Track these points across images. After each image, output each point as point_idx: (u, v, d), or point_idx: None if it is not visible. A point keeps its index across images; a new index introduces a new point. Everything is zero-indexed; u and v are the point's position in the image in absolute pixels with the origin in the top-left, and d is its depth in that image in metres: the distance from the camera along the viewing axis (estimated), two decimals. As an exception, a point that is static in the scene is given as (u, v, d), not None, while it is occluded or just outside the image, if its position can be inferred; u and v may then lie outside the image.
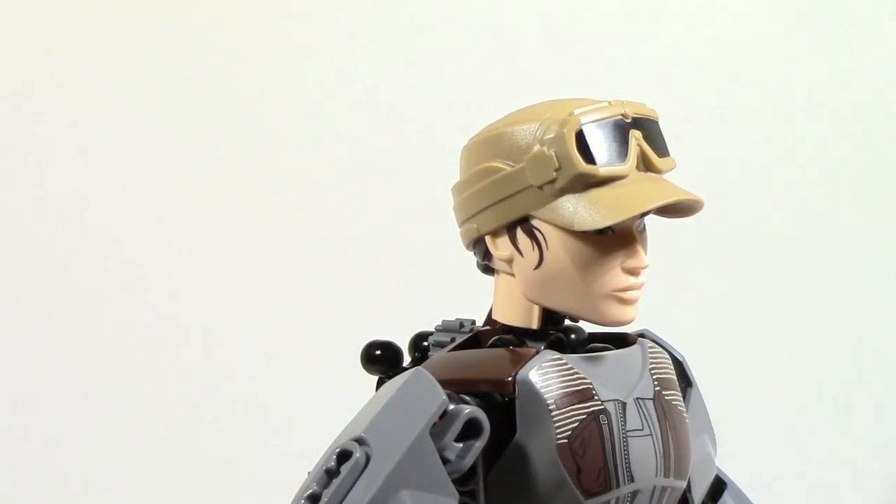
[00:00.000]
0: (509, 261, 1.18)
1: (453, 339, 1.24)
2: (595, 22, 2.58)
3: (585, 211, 1.13)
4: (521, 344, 1.19)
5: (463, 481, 1.15)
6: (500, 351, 1.18)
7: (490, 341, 1.21)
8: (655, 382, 1.18)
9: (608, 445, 1.13)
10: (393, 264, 2.50)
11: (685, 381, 1.27)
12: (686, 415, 1.21)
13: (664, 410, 1.17)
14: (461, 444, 1.11)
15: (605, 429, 1.13)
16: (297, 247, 2.51)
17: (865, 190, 2.61)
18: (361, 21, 2.55)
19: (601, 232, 1.14)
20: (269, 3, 2.54)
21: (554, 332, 1.21)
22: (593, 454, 1.12)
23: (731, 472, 1.39)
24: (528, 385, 1.12)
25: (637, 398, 1.16)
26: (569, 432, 1.12)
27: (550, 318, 1.20)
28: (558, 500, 1.13)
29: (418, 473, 1.10)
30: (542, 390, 1.12)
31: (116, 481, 2.47)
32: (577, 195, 1.13)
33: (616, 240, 1.15)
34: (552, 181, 1.13)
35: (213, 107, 2.52)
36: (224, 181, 2.52)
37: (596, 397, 1.14)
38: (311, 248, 2.52)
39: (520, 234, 1.16)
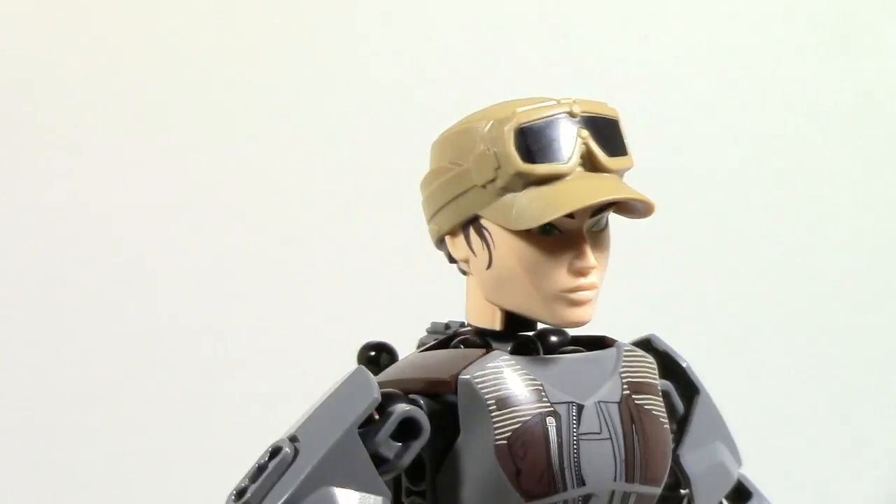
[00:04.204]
0: (466, 261, 1.25)
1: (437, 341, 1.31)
2: (594, 21, 2.60)
3: (523, 210, 1.19)
4: (486, 345, 1.24)
5: (415, 481, 1.22)
6: (456, 351, 1.25)
7: (453, 342, 1.27)
8: (625, 386, 1.23)
9: (554, 447, 1.18)
10: (397, 264, 2.52)
11: (691, 388, 1.32)
12: (664, 420, 1.24)
13: (632, 414, 1.22)
14: (400, 444, 1.19)
15: (553, 430, 1.18)
16: (301, 246, 2.53)
17: (865, 190, 2.63)
18: (362, 22, 2.57)
19: (547, 232, 1.20)
20: (271, 4, 2.56)
21: (525, 333, 1.24)
22: (535, 456, 1.18)
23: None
24: (469, 385, 1.19)
25: (599, 401, 1.21)
26: (509, 433, 1.18)
27: (518, 319, 1.24)
28: (500, 501, 1.18)
29: (344, 471, 1.17)
30: (483, 390, 1.18)
31: (119, 480, 2.49)
32: (516, 194, 1.20)
33: (563, 240, 1.20)
34: (493, 180, 1.20)
35: (215, 108, 2.54)
36: (226, 182, 2.53)
37: (545, 399, 1.19)
38: (314, 248, 2.53)
39: (472, 234, 1.24)
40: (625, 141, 1.23)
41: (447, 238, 1.26)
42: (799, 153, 2.60)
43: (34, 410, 2.48)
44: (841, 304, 2.59)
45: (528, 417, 1.18)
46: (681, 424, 1.33)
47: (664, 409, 1.25)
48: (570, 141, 1.20)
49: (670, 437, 1.26)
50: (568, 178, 1.19)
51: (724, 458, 1.33)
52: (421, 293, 2.43)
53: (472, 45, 2.55)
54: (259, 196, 2.52)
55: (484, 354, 1.21)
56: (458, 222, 1.24)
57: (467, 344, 1.26)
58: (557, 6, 2.57)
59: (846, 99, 2.60)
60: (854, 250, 2.60)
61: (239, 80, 2.52)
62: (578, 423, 1.20)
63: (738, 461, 1.35)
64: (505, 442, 1.17)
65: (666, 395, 1.29)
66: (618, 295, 2.55)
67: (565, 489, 1.18)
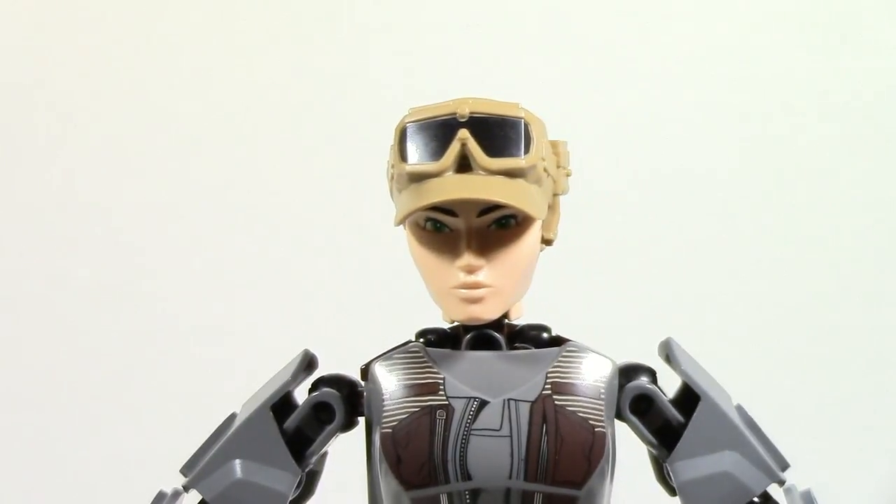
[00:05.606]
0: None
1: None
2: (594, 22, 2.60)
3: (398, 207, 1.22)
4: (446, 338, 1.26)
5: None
6: (404, 342, 1.28)
7: (419, 332, 1.29)
8: (547, 386, 1.23)
9: (438, 440, 1.20)
10: (398, 264, 2.52)
11: (694, 395, 1.30)
12: (595, 423, 1.23)
13: (545, 414, 1.22)
14: (322, 426, 1.26)
15: (440, 424, 1.21)
16: (301, 246, 2.53)
17: (866, 189, 2.63)
18: (363, 23, 2.57)
19: (438, 229, 1.22)
20: (271, 6, 2.56)
21: (480, 329, 1.25)
22: (418, 447, 1.20)
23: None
24: (373, 374, 1.24)
25: (509, 399, 1.22)
26: (395, 423, 1.21)
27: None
28: (390, 487, 1.21)
29: (255, 446, 1.24)
30: (381, 380, 1.23)
31: (119, 480, 2.49)
32: (402, 192, 1.23)
33: (451, 237, 1.22)
34: (392, 178, 1.25)
35: (216, 109, 2.54)
36: (227, 183, 2.53)
37: (441, 392, 1.22)
38: (314, 248, 2.53)
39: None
40: (523, 142, 1.22)
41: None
42: (799, 153, 2.60)
43: (34, 410, 2.48)
44: (841, 303, 2.59)
45: (418, 409, 1.21)
46: (675, 431, 1.30)
47: (598, 412, 1.23)
48: (445, 141, 1.21)
49: (604, 440, 1.23)
50: (442, 176, 1.20)
51: (735, 468, 1.30)
52: (422, 293, 2.44)
53: (472, 46, 2.55)
54: (259, 196, 2.52)
55: (400, 346, 1.24)
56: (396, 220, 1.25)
57: (422, 335, 1.28)
58: (558, 7, 2.57)
59: (846, 99, 2.60)
60: (854, 250, 2.60)
61: (239, 80, 2.52)
62: (474, 419, 1.20)
63: (772, 476, 1.31)
64: (390, 430, 1.20)
65: (645, 399, 1.28)
66: (617, 294, 2.55)
67: (447, 482, 1.19)
